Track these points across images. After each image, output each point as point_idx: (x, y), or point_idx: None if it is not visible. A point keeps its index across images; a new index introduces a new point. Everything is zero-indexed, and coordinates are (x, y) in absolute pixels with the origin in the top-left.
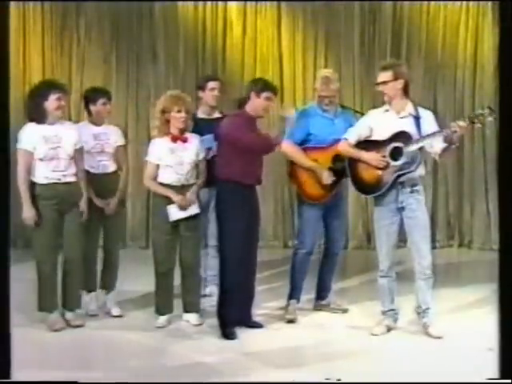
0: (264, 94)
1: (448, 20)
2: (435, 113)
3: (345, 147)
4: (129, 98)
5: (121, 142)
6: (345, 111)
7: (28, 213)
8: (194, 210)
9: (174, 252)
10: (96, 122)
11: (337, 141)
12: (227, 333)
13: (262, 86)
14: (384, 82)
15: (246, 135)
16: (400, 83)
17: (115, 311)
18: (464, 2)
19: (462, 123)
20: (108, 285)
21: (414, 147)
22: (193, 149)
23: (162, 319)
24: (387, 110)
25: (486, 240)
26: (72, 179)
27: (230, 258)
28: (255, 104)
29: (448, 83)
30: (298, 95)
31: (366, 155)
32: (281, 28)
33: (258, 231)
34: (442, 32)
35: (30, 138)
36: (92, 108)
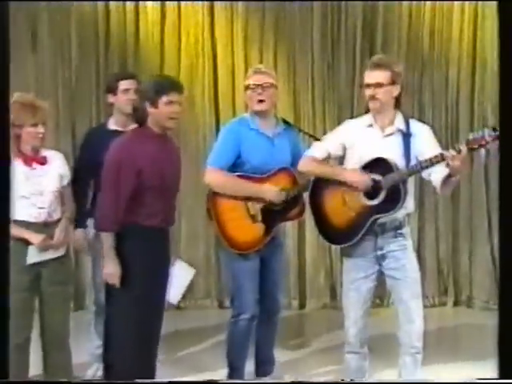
0: (163, 99)
1: (437, 3)
2: None
3: (309, 165)
4: None
5: None
6: (288, 129)
7: None
8: (58, 251)
9: (32, 314)
10: None
11: (277, 171)
12: None
13: (156, 88)
14: (379, 85)
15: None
16: (397, 89)
17: None
18: None
19: (453, 152)
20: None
21: (395, 181)
22: (55, 172)
23: None
24: (370, 125)
25: (491, 296)
26: None
27: (124, 327)
28: (154, 116)
29: (438, 86)
30: (239, 100)
31: (348, 173)
32: (214, 12)
33: (164, 290)
34: (430, 19)
35: None
36: None
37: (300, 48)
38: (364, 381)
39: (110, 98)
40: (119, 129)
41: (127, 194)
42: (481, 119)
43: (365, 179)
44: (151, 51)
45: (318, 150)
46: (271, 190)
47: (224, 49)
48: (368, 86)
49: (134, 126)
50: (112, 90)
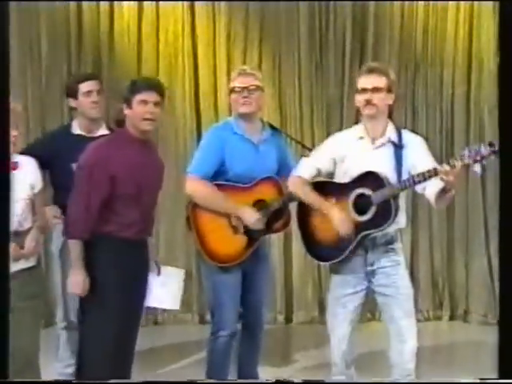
0: (136, 98)
1: (431, 2)
2: (415, 131)
3: (298, 187)
4: None
5: None
6: (275, 134)
7: None
8: (29, 261)
9: None
10: None
11: (261, 181)
12: None
13: (131, 87)
14: (376, 89)
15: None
16: (391, 98)
17: None
18: None
19: (447, 168)
20: None
21: (386, 196)
22: (26, 179)
23: None
24: (361, 137)
25: (489, 309)
26: None
27: (98, 344)
28: (130, 117)
29: (432, 86)
30: (220, 101)
31: (333, 212)
32: (194, 8)
33: (142, 304)
34: (423, 16)
35: None
36: None
37: (286, 47)
38: None
39: (72, 103)
40: (83, 133)
41: (99, 200)
42: (477, 120)
43: (345, 224)
44: (127, 50)
45: (305, 168)
46: (252, 216)
47: (205, 47)
48: (364, 90)
49: (100, 130)
50: (73, 93)
